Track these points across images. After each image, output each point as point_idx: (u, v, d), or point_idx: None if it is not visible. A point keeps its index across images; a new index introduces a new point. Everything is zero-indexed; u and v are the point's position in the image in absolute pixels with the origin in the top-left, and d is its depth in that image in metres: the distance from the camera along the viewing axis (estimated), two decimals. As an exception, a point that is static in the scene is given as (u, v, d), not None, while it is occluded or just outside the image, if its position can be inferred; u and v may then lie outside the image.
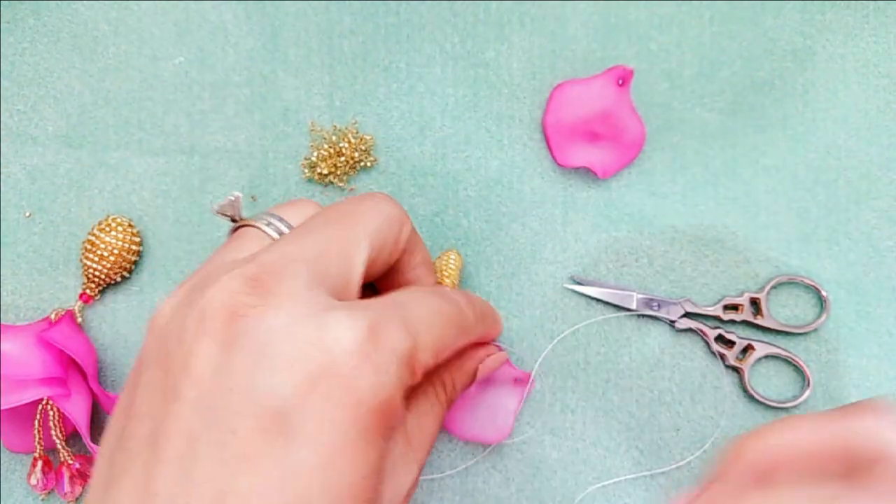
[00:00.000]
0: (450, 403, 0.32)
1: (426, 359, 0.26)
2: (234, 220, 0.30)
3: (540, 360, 0.37)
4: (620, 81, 0.37)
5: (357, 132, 0.39)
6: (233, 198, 0.30)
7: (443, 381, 0.32)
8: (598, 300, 0.38)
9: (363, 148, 0.38)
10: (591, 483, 0.37)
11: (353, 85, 0.39)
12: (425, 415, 0.30)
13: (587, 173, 0.38)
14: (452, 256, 0.37)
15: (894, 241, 0.38)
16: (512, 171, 0.38)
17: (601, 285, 0.38)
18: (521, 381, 0.37)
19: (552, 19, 0.38)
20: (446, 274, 0.37)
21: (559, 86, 0.38)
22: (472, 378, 0.33)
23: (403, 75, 0.39)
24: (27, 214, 0.39)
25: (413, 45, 0.38)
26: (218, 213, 0.30)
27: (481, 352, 0.33)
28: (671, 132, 0.38)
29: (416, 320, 0.26)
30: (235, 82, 0.38)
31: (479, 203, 0.38)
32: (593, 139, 0.37)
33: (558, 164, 0.38)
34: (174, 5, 0.38)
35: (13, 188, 0.39)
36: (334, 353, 0.23)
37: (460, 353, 0.32)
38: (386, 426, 0.24)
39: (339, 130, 0.39)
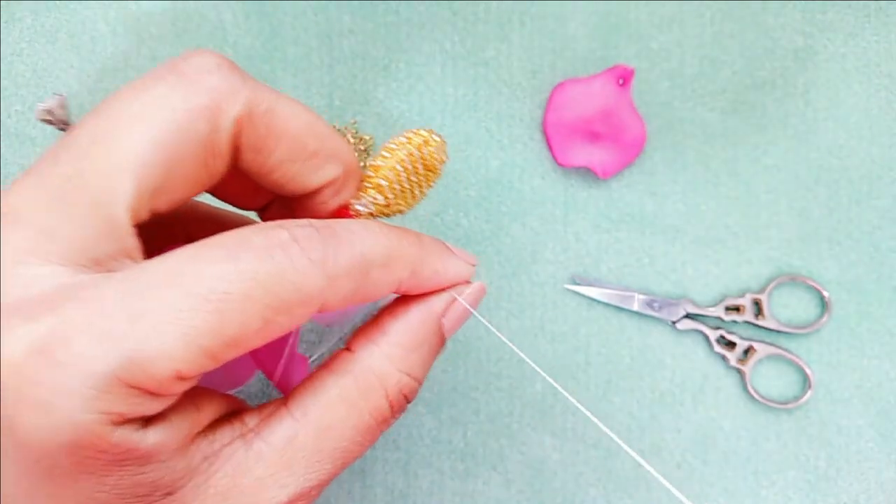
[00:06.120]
0: (398, 409, 0.23)
1: (167, 370, 0.18)
2: (61, 128, 0.24)
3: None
4: (621, 81, 0.37)
5: (357, 132, 0.38)
6: (59, 97, 0.23)
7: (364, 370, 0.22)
8: (598, 301, 0.38)
9: (362, 148, 0.38)
10: (591, 485, 0.37)
11: (352, 84, 0.39)
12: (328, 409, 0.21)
13: (587, 173, 0.38)
14: (406, 140, 0.23)
15: (896, 241, 0.38)
16: (512, 171, 0.38)
17: (602, 286, 0.37)
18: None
19: (552, 18, 0.38)
20: (382, 174, 0.23)
21: (559, 85, 0.37)
22: (438, 340, 0.24)
23: (403, 75, 0.38)
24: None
25: (413, 45, 0.38)
26: (42, 119, 0.24)
27: (435, 300, 0.23)
28: (672, 132, 0.38)
29: (159, 310, 0.18)
30: (234, 82, 0.38)
31: (480, 203, 0.38)
32: (594, 139, 0.37)
33: (559, 164, 0.38)
34: (172, 5, 0.38)
35: (11, 188, 0.39)
36: None
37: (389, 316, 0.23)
38: (84, 471, 0.18)
39: (339, 130, 0.38)
